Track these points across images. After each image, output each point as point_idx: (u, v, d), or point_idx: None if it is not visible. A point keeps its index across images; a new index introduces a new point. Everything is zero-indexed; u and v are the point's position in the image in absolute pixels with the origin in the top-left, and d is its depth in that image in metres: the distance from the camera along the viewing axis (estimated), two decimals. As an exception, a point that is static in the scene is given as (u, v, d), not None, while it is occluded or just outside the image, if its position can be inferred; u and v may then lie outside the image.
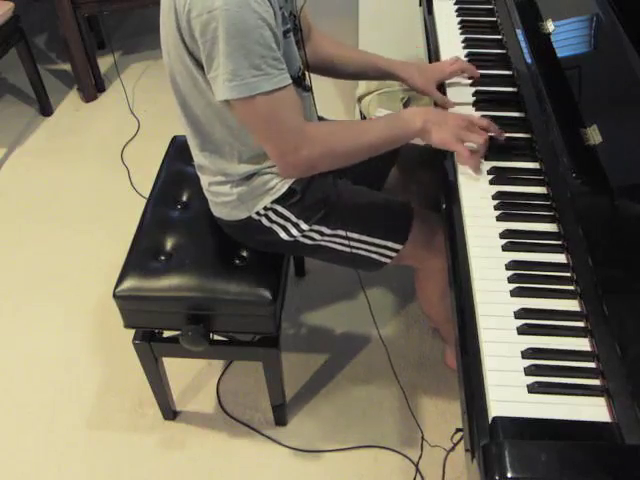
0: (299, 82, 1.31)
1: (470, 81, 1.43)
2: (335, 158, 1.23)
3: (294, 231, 1.35)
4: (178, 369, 1.76)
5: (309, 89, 1.35)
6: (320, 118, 1.55)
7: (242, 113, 1.14)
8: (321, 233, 1.36)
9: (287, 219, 1.35)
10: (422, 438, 1.63)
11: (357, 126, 1.27)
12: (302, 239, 1.37)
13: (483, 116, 1.32)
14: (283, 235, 1.36)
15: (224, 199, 1.36)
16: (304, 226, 1.35)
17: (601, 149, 1.06)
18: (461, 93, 1.40)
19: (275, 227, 1.36)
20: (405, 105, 2.21)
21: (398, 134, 1.26)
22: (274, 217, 1.35)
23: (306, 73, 1.34)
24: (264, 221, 1.36)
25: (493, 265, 1.05)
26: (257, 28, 1.05)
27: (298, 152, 1.17)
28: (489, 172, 1.21)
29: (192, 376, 1.82)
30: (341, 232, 1.36)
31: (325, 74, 1.51)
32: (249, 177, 1.32)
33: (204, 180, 1.39)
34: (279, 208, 1.34)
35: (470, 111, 1.35)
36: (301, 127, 1.17)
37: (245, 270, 1.42)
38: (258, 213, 1.35)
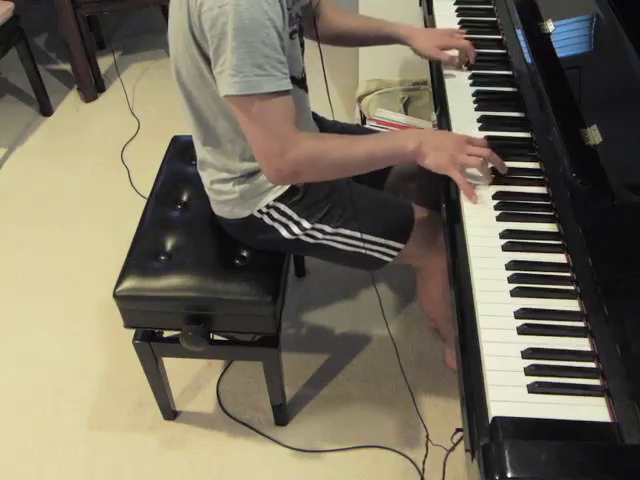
0: (301, 83, 1.31)
1: (470, 81, 1.43)
2: (322, 168, 1.20)
3: (296, 229, 1.36)
4: (178, 369, 1.76)
5: (308, 91, 1.36)
6: (320, 119, 1.55)
7: (237, 109, 1.14)
8: (323, 232, 1.36)
9: (289, 217, 1.35)
10: (427, 437, 1.63)
11: (348, 138, 1.22)
12: (304, 237, 1.37)
13: (484, 116, 1.33)
14: (285, 233, 1.36)
15: (226, 197, 1.36)
16: (306, 224, 1.35)
17: (601, 149, 1.06)
18: (461, 94, 1.40)
19: (277, 225, 1.36)
20: (405, 105, 2.22)
21: (390, 153, 1.22)
22: (276, 215, 1.35)
23: (306, 75, 1.34)
24: (266, 219, 1.36)
25: (493, 265, 1.05)
26: (264, 28, 1.06)
27: (284, 156, 1.15)
28: (489, 172, 1.21)
29: (192, 376, 1.81)
30: (342, 231, 1.36)
31: (334, 44, 1.53)
32: (251, 174, 1.32)
33: (206, 178, 1.40)
34: (281, 206, 1.34)
35: (470, 111, 1.35)
36: (291, 133, 1.15)
37: (245, 270, 1.42)
38: (260, 211, 1.35)
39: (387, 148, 1.22)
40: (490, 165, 1.19)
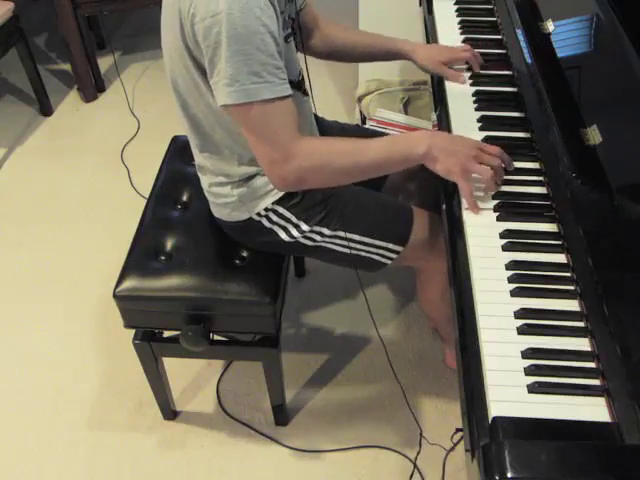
0: (299, 86, 1.31)
1: (470, 81, 1.43)
2: (328, 175, 1.19)
3: (295, 232, 1.35)
4: (178, 369, 1.76)
5: (308, 93, 1.35)
6: (320, 119, 1.55)
7: (237, 118, 1.14)
8: (321, 234, 1.36)
9: (288, 220, 1.35)
10: (420, 435, 1.63)
11: (355, 144, 1.19)
12: (302, 240, 1.37)
13: (484, 116, 1.33)
14: (284, 236, 1.36)
15: (225, 200, 1.36)
16: (305, 227, 1.35)
17: (601, 149, 1.06)
18: (461, 93, 1.40)
19: (276, 228, 1.36)
20: (405, 105, 2.21)
21: (400, 157, 1.19)
22: (275, 218, 1.35)
23: (305, 77, 1.33)
24: (265, 222, 1.36)
25: (493, 265, 1.05)
26: (258, 34, 1.05)
27: (288, 163, 1.14)
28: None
29: (192, 376, 1.81)
30: (341, 233, 1.36)
31: (333, 59, 1.52)
32: (249, 178, 1.32)
33: (204, 181, 1.39)
34: (280, 209, 1.34)
35: (470, 111, 1.35)
36: (294, 139, 1.13)
37: (245, 270, 1.42)
38: (259, 214, 1.35)
39: (397, 153, 1.19)
40: None
